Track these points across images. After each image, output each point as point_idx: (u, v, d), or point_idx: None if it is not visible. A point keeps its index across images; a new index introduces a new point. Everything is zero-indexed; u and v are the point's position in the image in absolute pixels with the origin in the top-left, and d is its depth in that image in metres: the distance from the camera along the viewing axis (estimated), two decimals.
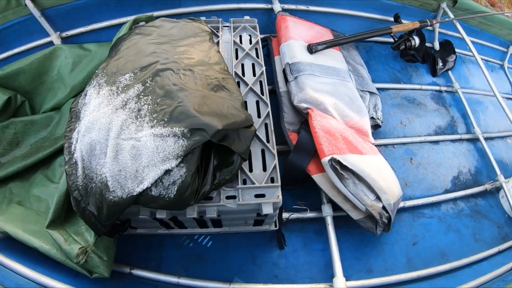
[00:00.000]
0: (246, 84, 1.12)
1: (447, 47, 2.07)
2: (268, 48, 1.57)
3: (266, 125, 1.02)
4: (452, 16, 1.84)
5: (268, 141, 0.98)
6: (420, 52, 1.94)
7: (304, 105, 1.25)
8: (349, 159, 1.10)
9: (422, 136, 1.73)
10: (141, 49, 0.97)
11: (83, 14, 1.53)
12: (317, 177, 1.17)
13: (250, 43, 1.27)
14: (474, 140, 1.84)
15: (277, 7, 1.69)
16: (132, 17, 1.32)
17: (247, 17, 1.35)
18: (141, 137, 0.73)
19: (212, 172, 0.79)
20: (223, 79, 0.96)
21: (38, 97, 1.51)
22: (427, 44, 2.06)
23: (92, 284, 0.93)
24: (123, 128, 0.76)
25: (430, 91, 1.94)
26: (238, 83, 1.12)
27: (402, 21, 1.79)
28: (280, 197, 0.86)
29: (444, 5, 1.88)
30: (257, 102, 1.09)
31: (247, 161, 0.90)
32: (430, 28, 2.06)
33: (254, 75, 1.17)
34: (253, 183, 0.88)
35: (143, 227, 1.12)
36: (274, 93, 1.42)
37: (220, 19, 1.35)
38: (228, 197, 0.86)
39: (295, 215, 1.27)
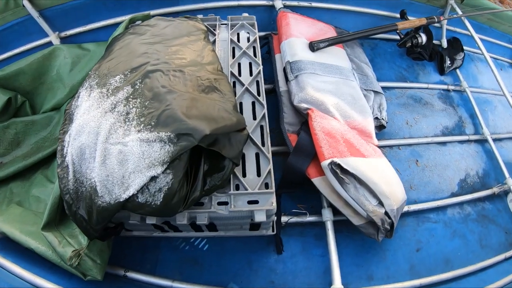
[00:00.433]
0: (242, 84, 1.08)
1: (455, 44, 1.99)
2: (269, 46, 1.52)
3: (261, 127, 0.98)
4: (460, 12, 1.76)
5: (263, 144, 0.94)
6: (427, 49, 1.87)
7: (304, 105, 1.21)
8: (350, 163, 1.06)
9: (428, 137, 1.67)
10: (133, 50, 0.95)
11: (81, 13, 1.52)
12: (317, 181, 1.13)
13: (248, 41, 1.23)
14: (482, 141, 1.78)
15: (278, 3, 1.65)
16: (129, 16, 1.28)
17: (245, 14, 1.31)
18: (128, 141, 0.71)
19: (202, 177, 0.77)
20: (216, 80, 0.92)
21: (38, 97, 1.51)
22: (435, 42, 1.99)
23: (86, 286, 0.93)
24: (111, 132, 0.74)
25: (437, 90, 1.88)
26: (234, 83, 1.09)
27: (409, 17, 1.72)
28: (274, 204, 0.82)
29: (452, 1, 1.81)
30: (253, 103, 1.05)
31: (241, 166, 0.88)
32: (437, 25, 1.98)
33: (251, 74, 1.13)
34: (246, 189, 0.85)
35: (138, 230, 1.10)
36: (274, 93, 1.38)
37: (217, 17, 1.32)
38: (220, 203, 0.83)
39: (294, 219, 1.23)
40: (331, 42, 1.42)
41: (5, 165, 1.35)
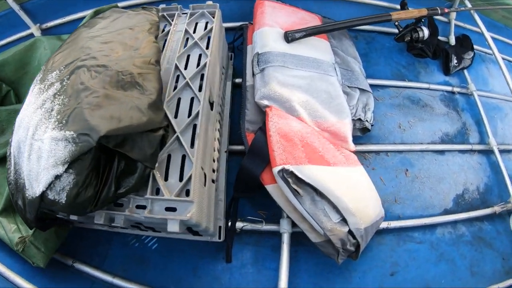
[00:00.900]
0: (184, 78, 0.98)
1: (465, 42, 1.79)
2: (244, 37, 1.38)
3: (195, 126, 0.88)
4: (469, 5, 1.55)
5: (192, 145, 0.84)
6: (430, 45, 1.68)
7: (265, 101, 1.07)
8: (306, 171, 0.91)
9: (424, 144, 1.49)
10: (75, 44, 0.95)
11: (59, 6, 1.57)
12: (271, 188, 0.99)
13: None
14: (488, 152, 1.58)
15: None
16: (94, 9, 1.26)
17: (209, 2, 1.20)
18: (44, 139, 0.71)
19: (114, 179, 0.74)
20: (140, 74, 0.86)
21: (23, 87, 1.53)
22: (441, 38, 1.79)
23: (34, 272, 0.97)
24: (37, 128, 0.74)
25: (440, 92, 1.68)
26: (178, 77, 1.00)
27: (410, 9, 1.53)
28: (191, 214, 0.74)
29: None
30: (192, 99, 0.94)
31: (164, 168, 0.82)
32: (445, 19, 1.79)
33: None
34: (163, 194, 0.77)
35: (87, 223, 1.00)
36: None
37: (179, 6, 1.23)
38: (138, 207, 0.78)
39: (250, 226, 1.12)
40: (309, 32, 1.26)
41: None
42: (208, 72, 1.00)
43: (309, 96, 1.12)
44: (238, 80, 1.40)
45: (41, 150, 0.70)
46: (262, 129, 1.04)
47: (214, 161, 1.07)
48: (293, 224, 1.07)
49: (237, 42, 1.49)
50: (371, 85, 1.53)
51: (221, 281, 1.05)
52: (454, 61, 1.71)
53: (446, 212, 1.36)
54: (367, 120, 1.30)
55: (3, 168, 1.27)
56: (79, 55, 0.87)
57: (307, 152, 0.95)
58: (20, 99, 1.52)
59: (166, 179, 0.81)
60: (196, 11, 1.20)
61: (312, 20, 1.41)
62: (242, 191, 1.10)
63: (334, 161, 0.99)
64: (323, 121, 1.10)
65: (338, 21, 1.34)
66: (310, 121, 1.08)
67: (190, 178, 0.78)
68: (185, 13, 1.22)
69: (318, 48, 1.30)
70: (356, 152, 1.33)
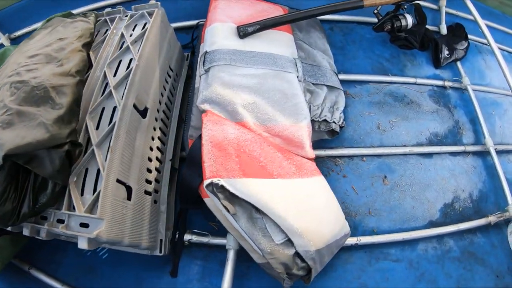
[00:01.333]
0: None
1: (457, 31, 1.62)
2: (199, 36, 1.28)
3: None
4: None
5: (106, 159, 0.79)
6: (417, 35, 1.51)
7: (206, 105, 0.96)
8: (239, 186, 0.78)
9: (407, 147, 1.33)
10: (11, 59, 0.94)
11: (24, 15, 1.60)
12: (209, 202, 0.88)
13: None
14: (483, 154, 1.41)
15: None
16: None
17: (152, 1, 1.11)
18: None
19: (32, 193, 0.75)
20: (54, 88, 0.83)
21: None
22: (431, 27, 1.62)
23: None
24: None
25: (428, 86, 1.52)
26: (106, 85, 0.94)
27: None
28: (98, 233, 0.71)
29: None
30: (115, 109, 0.87)
31: (81, 183, 0.81)
32: (435, 6, 1.62)
33: None
34: (74, 210, 0.76)
35: None
36: None
37: (122, 8, 1.15)
38: (59, 221, 0.78)
39: (197, 239, 1.06)
40: (264, 24, 1.13)
41: None
42: (136, 77, 0.92)
43: (258, 97, 0.99)
44: None
45: None
46: (200, 137, 0.91)
47: (150, 171, 0.99)
48: None
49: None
50: (347, 81, 1.40)
51: None
52: (445, 52, 1.54)
53: (432, 224, 1.21)
54: (334, 121, 1.15)
55: None
56: (8, 71, 0.87)
57: (243, 163, 0.82)
58: None
59: (82, 193, 0.78)
60: (137, 12, 1.12)
61: (275, 11, 1.27)
62: (187, 203, 1.01)
63: (279, 172, 0.86)
64: (274, 125, 0.97)
65: (295, 11, 1.20)
66: (257, 125, 0.95)
67: (99, 194, 0.74)
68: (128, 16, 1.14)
69: (277, 42, 1.17)
70: (324, 158, 1.20)
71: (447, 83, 1.52)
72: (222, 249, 1.02)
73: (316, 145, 1.22)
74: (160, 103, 1.08)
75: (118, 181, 0.80)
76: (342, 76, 1.38)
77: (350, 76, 1.42)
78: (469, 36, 1.64)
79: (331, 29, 1.53)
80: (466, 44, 1.59)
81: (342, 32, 1.55)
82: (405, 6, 1.38)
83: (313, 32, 1.33)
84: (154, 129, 1.03)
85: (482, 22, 1.35)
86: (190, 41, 1.42)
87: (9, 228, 0.80)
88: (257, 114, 0.96)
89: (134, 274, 1.05)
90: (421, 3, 1.58)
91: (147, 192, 0.94)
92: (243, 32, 1.11)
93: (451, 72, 1.59)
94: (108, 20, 1.15)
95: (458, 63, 1.59)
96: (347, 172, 1.23)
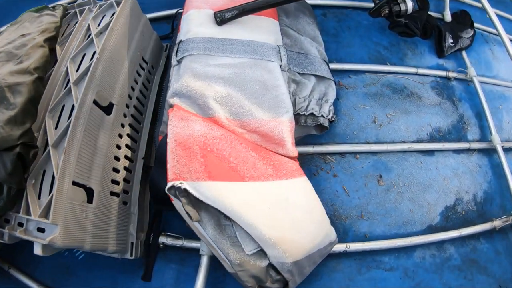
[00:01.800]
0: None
1: (463, 19, 1.51)
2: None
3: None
4: None
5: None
6: (418, 21, 1.40)
7: (175, 99, 0.88)
8: (204, 189, 0.70)
9: (406, 143, 1.24)
10: None
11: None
12: (177, 205, 0.79)
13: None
14: (490, 152, 1.32)
15: None
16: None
17: None
18: None
19: None
20: (9, 87, 0.81)
21: None
22: (434, 14, 1.51)
23: None
24: None
25: (431, 77, 1.42)
26: (68, 82, 0.89)
27: None
28: (51, 239, 0.68)
29: None
30: (73, 107, 0.82)
31: (38, 186, 0.78)
32: None
33: None
34: (30, 214, 0.73)
35: None
36: None
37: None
38: (19, 224, 0.76)
39: (172, 241, 1.00)
40: (243, 9, 1.03)
41: None
42: (97, 71, 0.86)
43: (233, 89, 0.90)
44: None
45: None
46: None
47: (117, 171, 0.94)
48: None
49: None
50: (340, 71, 1.32)
51: None
52: (450, 40, 1.44)
53: (431, 229, 1.13)
54: (322, 115, 1.06)
55: None
56: None
57: (209, 164, 0.74)
58: None
59: (40, 196, 0.76)
60: (105, 2, 1.06)
61: None
62: (159, 204, 0.97)
63: (252, 174, 0.77)
64: (250, 120, 0.88)
65: None
66: (231, 121, 0.87)
67: (51, 198, 0.70)
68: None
69: (260, 29, 1.08)
70: (313, 155, 1.11)
71: (451, 74, 1.42)
72: (198, 252, 0.96)
73: (303, 140, 1.15)
74: (130, 97, 1.02)
75: (75, 183, 0.76)
76: (335, 65, 1.30)
77: (344, 65, 1.33)
78: (475, 25, 1.54)
79: (324, 15, 1.43)
80: (472, 33, 1.49)
81: (337, 18, 1.45)
82: None
83: (301, 17, 1.24)
84: (123, 125, 0.97)
85: (491, 10, 1.24)
86: (171, 32, 1.34)
87: None
88: (231, 108, 0.88)
89: (110, 276, 1.01)
90: None
91: (113, 193, 0.90)
92: (221, 18, 1.02)
93: (456, 62, 1.49)
94: (78, 12, 1.12)
95: (463, 53, 1.49)
96: (338, 171, 1.15)
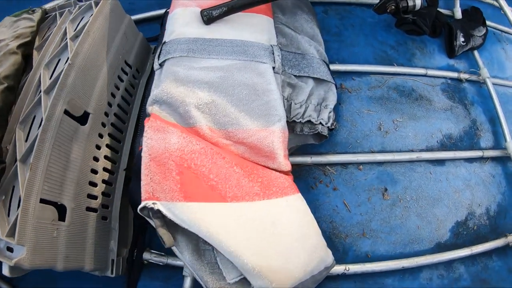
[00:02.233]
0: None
1: (474, 16, 1.43)
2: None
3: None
4: None
5: None
6: (427, 19, 1.31)
7: (155, 107, 0.81)
8: (179, 211, 0.64)
9: (415, 152, 1.16)
10: None
11: None
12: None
13: None
14: (504, 160, 1.24)
15: None
16: None
17: None
18: None
19: None
20: None
21: None
22: (443, 11, 1.43)
23: None
24: None
25: (441, 79, 1.33)
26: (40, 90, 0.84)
27: None
28: (17, 261, 0.64)
29: None
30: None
31: (8, 202, 0.73)
32: None
33: None
34: None
35: None
36: None
37: (73, 1, 1.05)
38: None
39: (156, 259, 0.96)
40: (232, 6, 0.96)
41: None
42: (69, 79, 0.80)
43: (218, 95, 0.83)
44: None
45: None
46: None
47: (95, 185, 0.89)
48: None
49: None
50: (343, 73, 1.25)
51: None
52: (461, 39, 1.35)
53: (439, 247, 1.06)
54: (321, 123, 0.98)
55: None
56: None
57: (186, 182, 0.66)
58: None
59: (9, 214, 0.71)
60: (84, 4, 1.00)
61: None
62: (141, 219, 0.86)
63: (235, 193, 0.70)
64: (236, 130, 0.81)
65: None
66: (215, 131, 0.80)
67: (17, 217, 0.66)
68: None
69: (251, 27, 1.00)
70: (311, 166, 1.04)
71: (463, 76, 1.34)
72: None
73: (300, 150, 1.07)
74: (110, 105, 0.96)
75: (44, 200, 0.71)
76: (337, 66, 1.22)
77: (347, 66, 1.25)
78: (487, 22, 1.46)
79: (325, 12, 1.35)
80: (484, 31, 1.41)
81: (339, 15, 1.36)
82: None
83: (299, 14, 1.16)
84: (101, 136, 0.91)
85: (507, 7, 1.15)
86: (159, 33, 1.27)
87: None
88: (215, 117, 0.81)
89: None
90: None
91: (90, 209, 0.85)
92: (207, 16, 0.95)
93: (467, 62, 1.41)
94: (58, 14, 1.07)
95: (475, 52, 1.40)
96: (338, 184, 1.07)
